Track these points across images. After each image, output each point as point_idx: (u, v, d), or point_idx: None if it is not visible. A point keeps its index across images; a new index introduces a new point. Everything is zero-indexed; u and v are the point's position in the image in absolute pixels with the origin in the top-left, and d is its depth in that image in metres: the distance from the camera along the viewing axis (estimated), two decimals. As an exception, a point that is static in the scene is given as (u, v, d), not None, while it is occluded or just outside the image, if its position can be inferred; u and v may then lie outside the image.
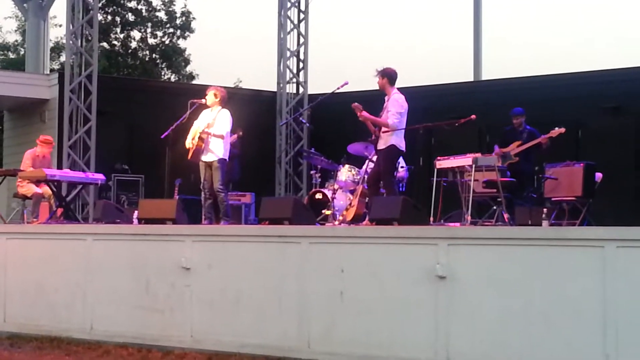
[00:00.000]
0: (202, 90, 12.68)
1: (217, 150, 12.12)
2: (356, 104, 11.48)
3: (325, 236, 9.57)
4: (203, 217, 12.33)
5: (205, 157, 12.17)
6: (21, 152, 16.71)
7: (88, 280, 10.70)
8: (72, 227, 11.93)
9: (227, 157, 12.23)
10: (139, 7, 35.63)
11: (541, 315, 8.03)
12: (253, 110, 18.99)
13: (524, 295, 8.15)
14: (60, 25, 31.84)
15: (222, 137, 12.14)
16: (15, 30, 35.50)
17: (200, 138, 12.10)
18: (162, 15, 35.94)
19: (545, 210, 11.72)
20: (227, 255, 9.91)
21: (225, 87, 13.12)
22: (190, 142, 12.22)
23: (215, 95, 12.33)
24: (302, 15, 21.19)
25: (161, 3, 35.85)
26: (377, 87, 11.59)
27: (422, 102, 14.17)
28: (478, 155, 11.46)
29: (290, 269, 9.40)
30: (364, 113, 11.47)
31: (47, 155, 14.55)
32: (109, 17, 34.94)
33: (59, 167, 16.89)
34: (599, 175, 12.68)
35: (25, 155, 14.45)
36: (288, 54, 21.02)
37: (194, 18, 36.11)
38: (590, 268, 7.88)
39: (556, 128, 13.01)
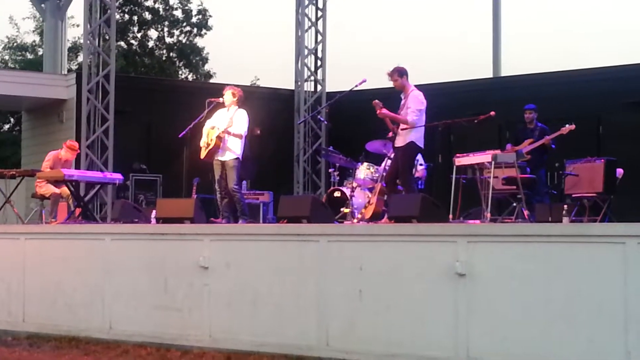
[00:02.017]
0: (219, 89, 12.66)
1: (234, 149, 12.10)
2: (377, 101, 11.44)
3: (343, 234, 9.52)
4: (220, 216, 12.31)
5: (221, 157, 12.14)
6: (39, 152, 16.80)
7: (106, 280, 10.69)
8: (90, 227, 11.93)
9: (241, 157, 12.18)
10: (156, 5, 35.65)
11: (562, 312, 7.96)
12: (271, 108, 19.01)
13: (544, 293, 8.07)
14: (78, 25, 31.94)
15: (240, 136, 12.11)
16: (33, 31, 35.62)
17: (218, 137, 12.07)
18: (179, 13, 35.97)
19: (565, 206, 11.63)
20: (245, 254, 9.88)
21: (242, 86, 13.08)
22: (204, 142, 12.18)
23: (233, 94, 12.30)
24: (319, 13, 21.15)
25: (178, 1, 35.87)
26: (396, 88, 11.54)
27: (441, 99, 14.11)
28: (497, 152, 11.42)
29: (309, 267, 9.36)
30: (384, 110, 11.42)
31: (69, 159, 14.57)
32: (126, 16, 34.98)
33: (77, 167, 16.91)
34: (620, 171, 12.57)
35: (48, 155, 14.48)
36: (306, 51, 20.98)
37: (210, 16, 36.14)
38: (611, 264, 7.80)
39: (566, 125, 12.97)
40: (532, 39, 44.02)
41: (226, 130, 12.07)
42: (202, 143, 12.22)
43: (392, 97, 11.78)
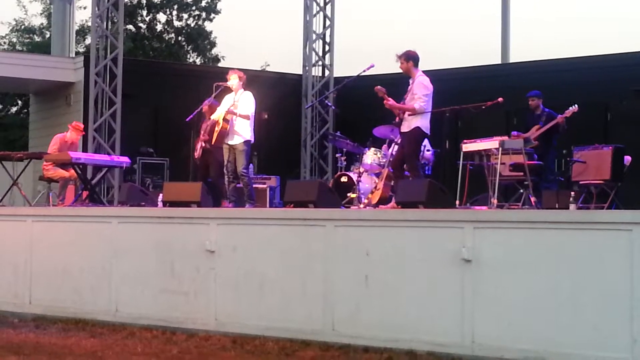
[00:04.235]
0: (227, 73, 12.63)
1: (242, 132, 12.09)
2: (379, 87, 11.39)
3: (350, 219, 9.52)
4: (227, 199, 12.31)
5: (230, 140, 12.13)
6: (46, 135, 16.81)
7: (113, 262, 10.72)
8: (98, 210, 11.95)
9: (251, 139, 12.17)
10: (165, -11, 35.63)
11: (568, 299, 7.96)
12: (279, 93, 19.00)
13: (550, 279, 8.08)
14: (85, 8, 31.83)
15: (247, 117, 12.09)
16: (41, 14, 35.55)
17: (224, 120, 12.07)
18: (187, -3, 35.92)
19: (572, 193, 11.62)
20: (251, 238, 9.89)
21: (250, 71, 13.08)
22: (216, 116, 12.18)
23: (239, 77, 12.30)
24: (328, -2, 21.10)
25: (187, -15, 35.82)
26: (402, 72, 11.50)
27: (449, 84, 14.11)
28: (505, 138, 11.39)
29: (315, 252, 9.37)
30: (390, 102, 11.38)
31: (75, 141, 14.63)
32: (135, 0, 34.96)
33: (84, 150, 16.93)
34: (627, 159, 12.55)
35: (54, 138, 14.53)
36: (314, 36, 20.94)
37: (219, 0, 36.09)
38: (617, 251, 7.79)
39: (570, 107, 12.93)
40: (540, 26, 43.89)
41: (230, 110, 12.05)
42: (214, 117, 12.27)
43: (399, 83, 11.74)
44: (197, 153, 13.11)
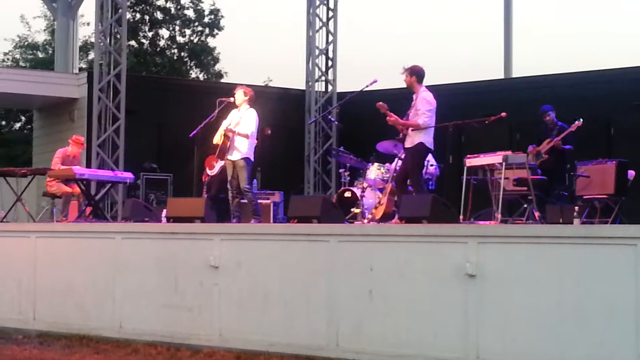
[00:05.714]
0: (230, 89, 12.70)
1: (241, 149, 12.14)
2: (381, 103, 11.40)
3: (354, 234, 9.51)
4: (231, 215, 12.33)
5: (231, 156, 12.19)
6: (50, 151, 16.83)
7: (117, 278, 10.71)
8: (101, 225, 11.95)
9: (252, 157, 12.20)
10: (168, 5, 35.72)
11: (573, 314, 7.94)
12: (282, 108, 19.04)
13: (555, 294, 8.06)
14: (88, 24, 31.90)
15: (246, 136, 12.13)
16: (44, 30, 35.67)
17: (225, 136, 12.13)
18: (190, 13, 36.04)
19: (576, 208, 11.61)
20: (255, 253, 9.88)
21: (253, 86, 13.10)
22: (217, 140, 12.25)
23: (244, 93, 12.35)
24: (330, 13, 21.16)
25: (189, 1, 35.93)
26: (405, 85, 11.52)
27: (452, 99, 14.10)
28: (508, 153, 11.39)
29: (319, 267, 9.36)
30: (393, 117, 11.39)
31: (77, 155, 14.65)
32: (138, 15, 35.05)
33: (88, 166, 16.94)
34: (631, 173, 12.55)
35: (56, 153, 14.56)
36: (317, 52, 20.98)
37: (222, 16, 36.21)
38: (622, 266, 7.78)
39: (575, 122, 12.93)
40: (543, 41, 43.95)
41: (229, 129, 12.12)
42: (216, 140, 12.30)
43: (402, 98, 11.76)
44: (215, 171, 13.29)
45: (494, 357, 8.25)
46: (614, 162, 12.36)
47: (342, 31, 21.30)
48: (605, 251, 7.92)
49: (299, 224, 10.48)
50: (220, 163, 13.42)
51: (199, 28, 36.19)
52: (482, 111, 12.42)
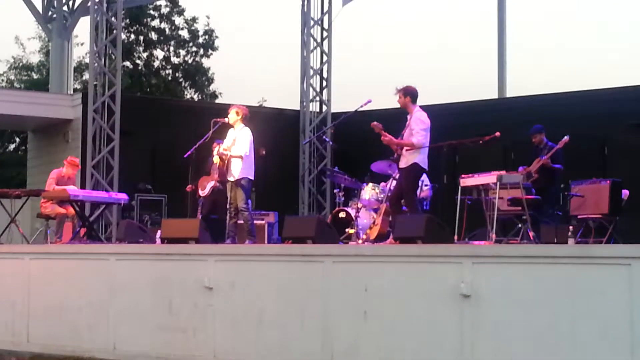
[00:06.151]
0: (225, 109, 12.67)
1: (236, 169, 12.11)
2: (375, 123, 11.40)
3: (348, 255, 9.51)
4: (226, 235, 12.31)
5: (229, 177, 12.18)
6: (45, 172, 16.78)
7: (111, 300, 10.69)
8: (95, 247, 11.94)
9: (250, 176, 12.18)
10: (162, 25, 35.78)
11: (567, 334, 7.93)
12: (276, 129, 19.00)
13: (550, 314, 8.05)
14: (82, 44, 31.99)
15: (240, 157, 12.10)
16: (39, 51, 35.71)
17: (220, 159, 12.12)
18: (185, 34, 36.10)
19: (571, 228, 11.60)
20: (250, 274, 9.87)
21: (248, 106, 13.09)
22: (216, 160, 12.30)
23: (237, 113, 12.32)
24: (325, 34, 21.17)
25: (184, 22, 35.99)
26: (399, 106, 11.52)
27: (446, 119, 14.10)
28: (503, 172, 11.37)
29: (314, 288, 9.35)
30: (387, 137, 11.39)
31: (72, 176, 14.61)
32: (132, 36, 35.11)
33: (82, 187, 16.91)
34: (625, 193, 12.54)
35: (50, 174, 14.51)
36: (311, 72, 20.99)
37: (216, 36, 36.28)
38: (617, 286, 7.78)
39: (563, 138, 12.92)
40: (537, 61, 44.03)
41: (221, 151, 12.13)
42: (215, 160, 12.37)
43: (396, 118, 11.76)
44: (206, 192, 13.34)
45: (489, 377, 8.24)
46: (608, 181, 12.35)
47: (336, 51, 21.35)
48: (599, 271, 7.92)
49: (293, 245, 10.47)
50: (211, 184, 13.45)
51: (194, 49, 36.24)
52: (477, 131, 12.43)
